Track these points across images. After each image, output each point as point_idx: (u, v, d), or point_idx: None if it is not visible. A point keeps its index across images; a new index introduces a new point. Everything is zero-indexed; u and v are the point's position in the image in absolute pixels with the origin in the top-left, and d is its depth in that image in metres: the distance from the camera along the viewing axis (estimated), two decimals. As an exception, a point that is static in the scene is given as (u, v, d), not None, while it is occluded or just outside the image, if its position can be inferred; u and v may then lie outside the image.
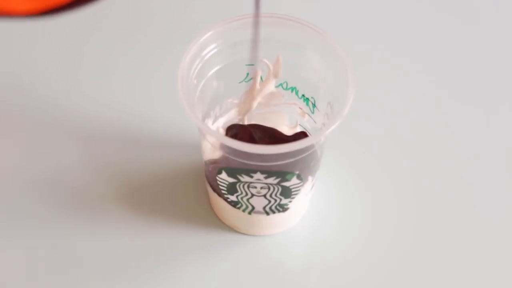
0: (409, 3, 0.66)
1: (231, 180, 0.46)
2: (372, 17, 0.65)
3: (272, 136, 0.50)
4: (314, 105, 0.49)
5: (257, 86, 0.49)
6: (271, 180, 0.45)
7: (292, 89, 0.50)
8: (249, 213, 0.49)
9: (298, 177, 0.46)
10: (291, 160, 0.44)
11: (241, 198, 0.48)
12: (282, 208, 0.49)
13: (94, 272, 0.50)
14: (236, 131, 0.49)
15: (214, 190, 0.49)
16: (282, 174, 0.45)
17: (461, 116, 0.58)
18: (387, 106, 0.58)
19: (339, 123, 0.42)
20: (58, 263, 0.50)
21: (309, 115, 0.51)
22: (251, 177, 0.45)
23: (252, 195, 0.47)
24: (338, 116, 0.43)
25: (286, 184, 0.46)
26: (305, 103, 0.50)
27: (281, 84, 0.49)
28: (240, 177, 0.46)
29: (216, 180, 0.47)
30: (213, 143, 0.44)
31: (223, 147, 0.43)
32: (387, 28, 0.64)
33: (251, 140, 0.49)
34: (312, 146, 0.44)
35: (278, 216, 0.50)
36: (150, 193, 0.53)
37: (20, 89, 0.59)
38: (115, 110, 0.57)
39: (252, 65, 0.48)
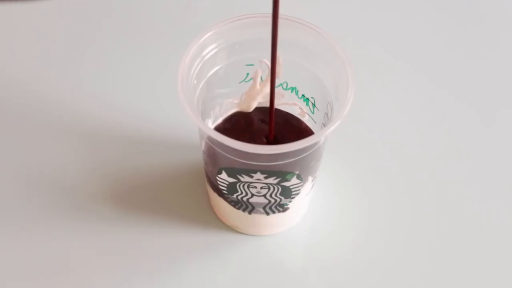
0: (410, 4, 0.66)
1: (231, 180, 0.46)
2: (372, 18, 0.65)
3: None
4: (314, 105, 0.49)
5: (257, 86, 0.49)
6: (271, 180, 0.45)
7: (292, 89, 0.50)
8: (249, 213, 0.49)
9: (298, 177, 0.46)
10: (291, 160, 0.44)
11: (241, 198, 0.48)
12: (282, 208, 0.49)
13: (93, 272, 0.50)
14: (237, 118, 0.50)
15: (214, 190, 0.49)
16: (282, 174, 0.45)
17: (461, 118, 0.58)
18: (387, 107, 0.58)
19: (339, 123, 0.42)
20: (57, 262, 0.50)
21: (309, 115, 0.51)
22: (251, 177, 0.45)
23: (252, 195, 0.47)
24: (338, 116, 0.43)
25: (286, 184, 0.46)
26: (305, 103, 0.50)
27: (281, 84, 0.49)
28: (240, 177, 0.46)
29: (216, 180, 0.47)
30: None
31: (223, 147, 0.43)
32: (387, 28, 0.64)
33: (252, 122, 0.49)
34: (312, 146, 0.44)
35: (278, 216, 0.50)
36: (150, 193, 0.53)
37: (19, 88, 0.59)
38: (115, 110, 0.57)
39: (252, 65, 0.48)
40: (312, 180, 0.49)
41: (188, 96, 0.44)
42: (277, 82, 0.49)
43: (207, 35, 0.46)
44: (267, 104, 0.50)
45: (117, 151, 0.55)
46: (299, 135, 0.48)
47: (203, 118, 0.48)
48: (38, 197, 0.53)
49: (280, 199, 0.48)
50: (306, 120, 0.51)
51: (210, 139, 0.44)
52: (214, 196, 0.50)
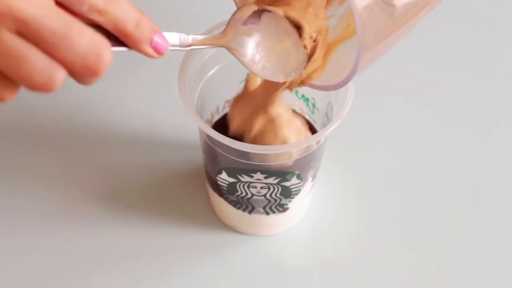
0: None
1: (231, 180, 0.46)
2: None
3: None
4: (314, 105, 0.49)
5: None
6: (271, 180, 0.45)
7: (292, 89, 0.50)
8: (249, 213, 0.49)
9: (298, 177, 0.46)
10: (291, 160, 0.44)
11: (241, 198, 0.48)
12: (282, 208, 0.49)
13: (92, 272, 0.49)
14: None
15: (214, 190, 0.49)
16: (282, 174, 0.45)
17: (463, 120, 0.58)
18: (387, 107, 0.58)
19: (339, 123, 0.43)
20: (57, 262, 0.50)
21: (309, 115, 0.51)
22: (251, 177, 0.45)
23: (252, 195, 0.47)
24: (338, 116, 0.43)
25: (286, 184, 0.46)
26: (305, 103, 0.50)
27: (281, 84, 0.49)
28: (240, 177, 0.46)
29: (216, 180, 0.47)
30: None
31: (223, 146, 0.43)
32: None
33: None
34: (312, 146, 0.44)
35: (278, 216, 0.50)
36: (150, 193, 0.53)
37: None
38: (116, 111, 0.57)
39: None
40: (312, 180, 0.49)
41: (188, 96, 0.44)
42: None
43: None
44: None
45: (117, 151, 0.55)
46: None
47: (202, 118, 0.48)
48: (38, 197, 0.53)
49: (280, 199, 0.48)
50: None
51: (210, 138, 0.44)
52: (214, 196, 0.50)
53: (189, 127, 0.55)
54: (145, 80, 0.59)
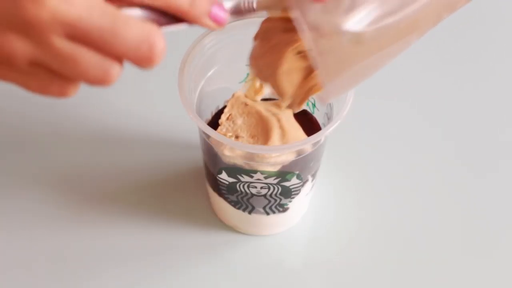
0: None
1: (231, 180, 0.46)
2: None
3: None
4: (314, 105, 0.49)
5: (257, 86, 0.49)
6: (271, 180, 0.45)
7: (292, 89, 0.50)
8: (249, 213, 0.49)
9: (298, 177, 0.46)
10: (291, 160, 0.44)
11: (241, 198, 0.48)
12: (282, 208, 0.49)
13: (91, 272, 0.50)
14: None
15: (214, 190, 0.49)
16: (282, 174, 0.45)
17: (464, 121, 0.58)
18: (387, 107, 0.58)
19: (339, 123, 0.43)
20: (57, 262, 0.50)
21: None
22: (251, 177, 0.45)
23: (252, 195, 0.47)
24: (338, 116, 0.43)
25: (286, 184, 0.46)
26: (305, 103, 0.50)
27: (281, 84, 0.49)
28: (240, 177, 0.46)
29: (216, 180, 0.47)
30: None
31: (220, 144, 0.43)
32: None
33: None
34: (312, 146, 0.44)
35: (278, 216, 0.50)
36: (150, 193, 0.53)
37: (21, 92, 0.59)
38: (116, 111, 0.57)
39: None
40: (312, 180, 0.49)
41: (188, 96, 0.44)
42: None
43: (207, 35, 0.46)
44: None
45: (117, 151, 0.55)
46: (308, 129, 0.48)
47: (202, 118, 0.48)
48: (38, 198, 0.53)
49: (280, 199, 0.48)
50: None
51: (210, 139, 0.44)
52: (214, 196, 0.50)
53: (189, 127, 0.55)
54: (145, 80, 0.59)
